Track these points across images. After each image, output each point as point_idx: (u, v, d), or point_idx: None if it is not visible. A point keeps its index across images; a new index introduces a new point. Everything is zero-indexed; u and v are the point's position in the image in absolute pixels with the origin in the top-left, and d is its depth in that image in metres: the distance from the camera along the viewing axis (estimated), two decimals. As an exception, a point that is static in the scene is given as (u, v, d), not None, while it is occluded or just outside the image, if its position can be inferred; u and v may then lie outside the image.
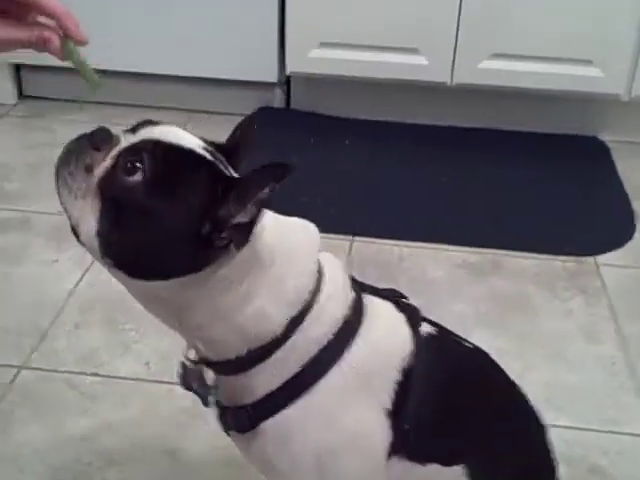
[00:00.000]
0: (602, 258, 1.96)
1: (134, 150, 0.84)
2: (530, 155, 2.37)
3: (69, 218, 0.86)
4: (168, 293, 0.85)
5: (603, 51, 2.28)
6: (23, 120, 2.52)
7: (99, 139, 0.87)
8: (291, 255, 0.88)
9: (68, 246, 1.91)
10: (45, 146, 2.33)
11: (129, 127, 0.92)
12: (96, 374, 1.55)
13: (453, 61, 2.32)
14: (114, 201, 0.82)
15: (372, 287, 0.99)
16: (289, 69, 2.42)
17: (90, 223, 0.83)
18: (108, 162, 0.84)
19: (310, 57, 2.36)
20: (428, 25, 2.29)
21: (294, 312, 0.87)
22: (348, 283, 0.94)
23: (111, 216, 0.82)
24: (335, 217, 2.01)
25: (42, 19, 0.87)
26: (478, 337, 1.07)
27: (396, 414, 0.90)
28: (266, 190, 0.79)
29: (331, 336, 0.88)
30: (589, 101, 2.43)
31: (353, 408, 0.90)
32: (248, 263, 0.85)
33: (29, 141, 2.39)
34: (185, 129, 0.89)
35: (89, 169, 0.85)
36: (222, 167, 0.88)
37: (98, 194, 0.84)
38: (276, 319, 0.86)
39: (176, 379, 0.99)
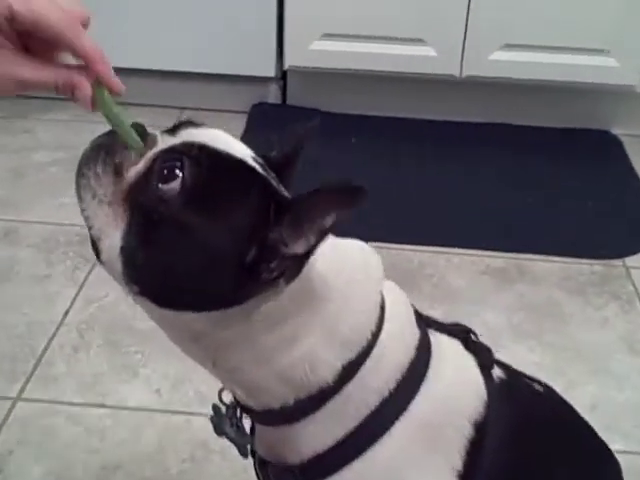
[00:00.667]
0: (631, 260, 1.85)
1: (174, 153, 0.71)
2: (543, 151, 2.26)
3: (89, 229, 0.72)
4: (201, 327, 0.72)
5: (619, 40, 2.17)
6: (3, 122, 2.34)
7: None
8: (349, 287, 0.75)
9: (60, 258, 1.77)
10: (28, 150, 2.16)
11: (167, 128, 0.78)
12: (102, 405, 1.41)
13: (462, 52, 2.20)
14: (145, 213, 0.69)
15: (437, 322, 0.87)
16: (288, 63, 2.28)
17: (114, 237, 0.70)
18: (142, 165, 0.71)
19: (311, 49, 2.23)
20: (436, 14, 2.17)
21: (350, 356, 0.74)
22: (413, 319, 0.81)
23: (140, 231, 0.69)
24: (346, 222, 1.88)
25: (70, 60, 0.73)
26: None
27: (467, 477, 0.78)
28: (331, 218, 0.66)
29: (394, 384, 0.75)
30: (601, 93, 2.32)
31: (419, 473, 0.77)
32: (298, 297, 0.72)
33: (11, 144, 2.21)
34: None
35: (118, 171, 0.72)
36: (275, 184, 0.75)
37: (127, 203, 0.70)
38: (328, 364, 0.73)
39: (210, 424, 0.87)
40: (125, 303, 0.78)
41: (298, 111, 2.38)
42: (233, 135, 0.78)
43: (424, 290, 1.72)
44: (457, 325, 0.88)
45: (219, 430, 0.86)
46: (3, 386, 1.43)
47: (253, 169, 0.73)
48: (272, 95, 2.43)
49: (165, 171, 0.69)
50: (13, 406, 1.39)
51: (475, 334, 0.87)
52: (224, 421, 0.84)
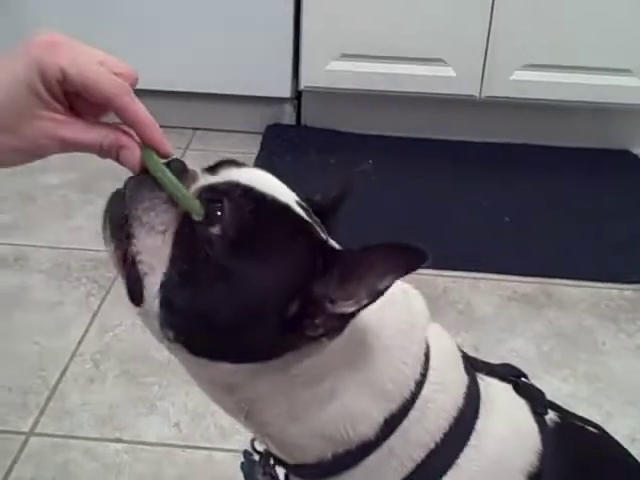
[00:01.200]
0: (661, 285, 1.79)
1: (215, 192, 0.67)
2: (565, 171, 2.21)
3: (137, 264, 0.66)
4: (236, 379, 0.68)
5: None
6: (10, 142, 2.29)
7: (173, 170, 0.68)
8: (392, 339, 0.70)
9: (73, 284, 1.71)
10: (37, 171, 2.11)
11: (208, 166, 0.73)
12: (119, 440, 1.34)
13: (483, 72, 2.16)
14: (188, 250, 0.65)
15: (485, 363, 0.81)
16: (303, 83, 2.23)
17: (158, 274, 0.65)
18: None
19: (328, 70, 2.18)
20: (456, 34, 2.13)
21: (393, 409, 0.69)
22: (461, 364, 0.75)
23: (182, 268, 0.65)
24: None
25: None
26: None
27: None
28: (387, 281, 0.61)
29: (441, 437, 0.70)
30: (622, 112, 2.27)
31: None
32: (339, 351, 0.67)
33: (19, 166, 2.15)
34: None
35: (170, 204, 0.67)
36: (322, 233, 0.70)
37: (175, 236, 0.66)
38: (370, 419, 0.68)
39: (240, 470, 0.81)
40: (142, 331, 0.72)
41: (313, 132, 2.34)
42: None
43: (449, 317, 1.66)
44: (506, 366, 0.83)
45: (251, 478, 0.80)
46: (15, 420, 1.37)
47: (299, 216, 0.69)
48: (287, 116, 2.38)
49: (209, 211, 0.65)
50: (26, 441, 1.33)
51: (526, 376, 0.82)
52: (256, 469, 0.79)
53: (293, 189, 0.75)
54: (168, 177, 0.67)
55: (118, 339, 1.55)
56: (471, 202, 2.07)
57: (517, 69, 2.15)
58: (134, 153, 0.67)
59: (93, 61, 0.65)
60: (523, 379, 0.80)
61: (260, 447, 0.78)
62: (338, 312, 0.64)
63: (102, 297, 1.66)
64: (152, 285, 0.65)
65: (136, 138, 0.67)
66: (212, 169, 0.72)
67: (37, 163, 2.29)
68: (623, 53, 2.13)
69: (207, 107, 2.36)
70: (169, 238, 0.66)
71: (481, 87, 2.17)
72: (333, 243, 0.70)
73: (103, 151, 0.67)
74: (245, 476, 0.81)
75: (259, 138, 2.33)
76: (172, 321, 0.65)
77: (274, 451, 0.74)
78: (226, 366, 0.66)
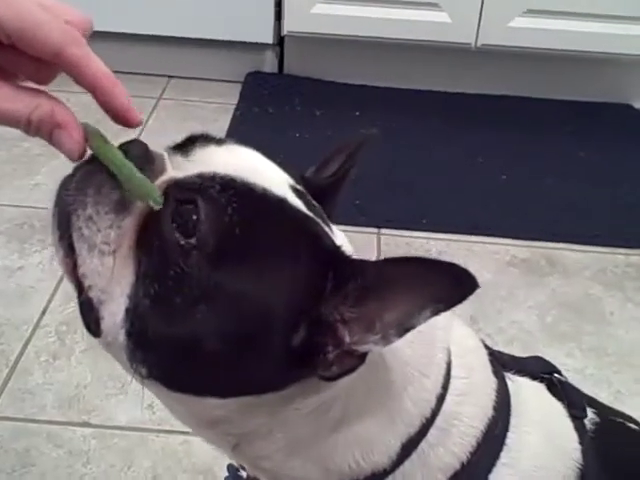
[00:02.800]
0: (669, 249, 1.69)
1: (185, 189, 0.53)
2: (564, 127, 2.08)
3: (86, 291, 0.53)
4: (224, 414, 0.56)
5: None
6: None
7: (131, 156, 0.54)
8: (411, 346, 0.59)
9: (35, 247, 1.56)
10: (-3, 121, 1.94)
11: (177, 142, 0.58)
12: (87, 424, 1.21)
13: (479, 19, 2.00)
14: (158, 265, 0.52)
15: (514, 359, 0.70)
16: (286, 28, 2.07)
17: (118, 301, 0.52)
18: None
19: (313, 13, 2.02)
20: (452, -24, 1.96)
21: (411, 432, 0.58)
22: (488, 367, 0.64)
23: (151, 289, 0.51)
24: (355, 207, 1.69)
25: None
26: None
27: None
28: (424, 315, 0.49)
29: (467, 457, 0.59)
30: (627, 64, 2.13)
31: None
32: (352, 381, 0.55)
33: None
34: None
35: (120, 208, 0.53)
36: (330, 233, 0.57)
37: (136, 250, 0.52)
38: (384, 446, 0.57)
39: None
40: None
41: (297, 81, 2.18)
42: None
43: (446, 285, 1.54)
44: (536, 360, 0.72)
45: None
46: (-30, 400, 1.24)
47: (298, 212, 0.55)
48: (268, 63, 2.22)
49: (179, 215, 0.51)
50: (-18, 425, 1.20)
51: (559, 372, 0.71)
52: None
53: (283, 164, 0.61)
54: (119, 161, 0.53)
55: (85, 309, 1.41)
56: (465, 158, 1.93)
57: (516, 15, 2.00)
58: (72, 134, 0.52)
59: (34, 4, 0.50)
60: (556, 375, 0.70)
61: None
62: (358, 350, 0.51)
63: (68, 262, 1.52)
64: (112, 314, 0.52)
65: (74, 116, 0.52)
66: (182, 148, 0.57)
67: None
68: (629, 0, 1.98)
69: (182, 53, 2.19)
70: (126, 254, 0.52)
71: (477, 35, 2.02)
72: (347, 249, 0.56)
73: (31, 127, 0.52)
74: None
75: (238, 87, 2.17)
76: (144, 355, 0.52)
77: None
78: (212, 401, 0.54)
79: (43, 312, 1.41)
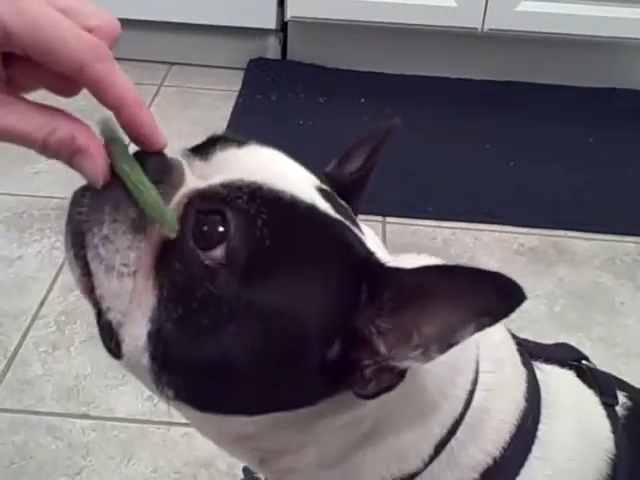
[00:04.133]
0: (680, 237, 1.66)
1: (211, 201, 0.49)
2: (574, 113, 2.04)
3: (105, 312, 0.50)
4: (253, 430, 0.54)
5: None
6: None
7: (151, 171, 0.50)
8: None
9: (34, 237, 1.54)
10: (-4, 109, 1.91)
11: (195, 145, 0.55)
12: (87, 415, 1.19)
13: (486, 2, 1.96)
14: (182, 287, 0.49)
15: (541, 347, 0.67)
16: (290, 13, 2.03)
17: (139, 323, 0.49)
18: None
19: (317, -2, 1.98)
20: (457, -41, 1.93)
21: (443, 433, 0.55)
22: (517, 358, 0.61)
23: (175, 311, 0.49)
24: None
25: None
26: None
27: None
28: (469, 329, 0.46)
29: (499, 451, 0.57)
30: (633, 49, 2.09)
31: None
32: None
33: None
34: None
35: (139, 226, 0.50)
36: (362, 238, 0.54)
37: (157, 271, 0.49)
38: (419, 452, 0.55)
39: None
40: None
41: (300, 67, 2.15)
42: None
43: (452, 273, 1.51)
44: (564, 346, 0.70)
45: None
46: (-32, 392, 1.22)
47: (329, 218, 0.52)
48: (271, 49, 2.19)
49: (203, 229, 0.48)
50: (-20, 417, 1.18)
51: (587, 358, 0.68)
52: None
53: (305, 162, 0.58)
54: (143, 185, 0.49)
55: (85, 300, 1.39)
56: (471, 145, 1.90)
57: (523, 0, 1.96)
58: (96, 161, 0.47)
59: (51, 8, 0.44)
60: (585, 362, 0.68)
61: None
62: (396, 366, 0.48)
63: (67, 251, 1.49)
64: (133, 338, 0.50)
65: (98, 137, 0.48)
66: (202, 151, 0.53)
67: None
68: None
69: (184, 39, 2.16)
70: (146, 276, 0.49)
71: (484, 19, 1.98)
72: (381, 255, 0.53)
73: (49, 151, 0.47)
74: None
75: (241, 74, 2.13)
76: (170, 378, 0.50)
77: None
78: (243, 419, 0.52)
79: (42, 302, 1.39)
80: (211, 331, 0.48)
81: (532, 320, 1.40)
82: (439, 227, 1.65)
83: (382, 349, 0.49)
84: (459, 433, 0.55)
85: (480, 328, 0.45)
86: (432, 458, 0.55)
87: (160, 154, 0.52)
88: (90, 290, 0.52)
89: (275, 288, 0.48)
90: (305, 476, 0.56)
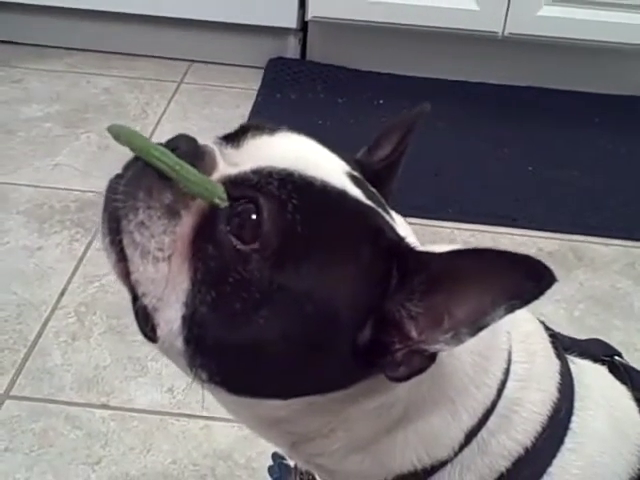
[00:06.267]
0: (700, 245, 1.65)
1: (244, 188, 0.50)
2: (594, 120, 2.03)
3: (140, 297, 0.51)
4: (286, 414, 0.54)
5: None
6: (-13, 70, 2.09)
7: (183, 155, 0.52)
8: (476, 342, 0.54)
9: (55, 228, 1.54)
10: (18, 102, 1.92)
11: (227, 133, 0.56)
12: (106, 406, 1.19)
13: (507, 7, 1.96)
14: (215, 271, 0.50)
15: (575, 341, 0.68)
16: (310, 13, 2.03)
17: (174, 307, 0.50)
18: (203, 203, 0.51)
19: (338, -1, 1.98)
20: (480, -38, 1.93)
21: (474, 421, 0.56)
22: (550, 350, 0.62)
23: (210, 296, 0.50)
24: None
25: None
26: None
27: None
28: (500, 311, 0.46)
29: (531, 442, 0.57)
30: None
31: None
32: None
33: (-3, 96, 1.97)
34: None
35: (174, 211, 0.51)
36: (393, 224, 0.54)
37: (191, 256, 0.50)
38: (449, 441, 0.55)
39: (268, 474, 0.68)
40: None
41: (319, 68, 2.15)
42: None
43: (471, 275, 1.51)
44: (597, 342, 0.70)
45: None
46: (-12, 379, 1.22)
47: (360, 203, 0.53)
48: (291, 49, 2.19)
49: (236, 215, 0.49)
50: (1, 404, 1.18)
51: (620, 354, 0.68)
52: (289, 476, 0.65)
53: (336, 148, 0.58)
54: (170, 160, 0.50)
55: (105, 290, 1.39)
56: (490, 149, 1.90)
57: (546, 4, 1.96)
58: None
59: None
60: (618, 358, 0.68)
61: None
62: (426, 349, 0.49)
63: (87, 243, 1.50)
64: (168, 322, 0.51)
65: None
66: (234, 139, 0.54)
67: (18, 92, 2.06)
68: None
69: (204, 37, 2.16)
70: (180, 260, 0.50)
71: (505, 23, 1.98)
72: (412, 240, 0.53)
73: None
74: None
75: (260, 73, 2.14)
76: (204, 361, 0.51)
77: (320, 476, 0.61)
78: (276, 402, 0.52)
79: (62, 293, 1.39)
80: (244, 315, 0.49)
81: (552, 324, 1.38)
82: (458, 229, 1.65)
83: (413, 333, 0.49)
84: (490, 422, 0.55)
85: (510, 310, 0.46)
86: (462, 446, 0.55)
87: (192, 140, 0.53)
88: (126, 275, 0.52)
89: (307, 272, 0.49)
90: (334, 460, 0.56)
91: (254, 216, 0.49)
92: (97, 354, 1.27)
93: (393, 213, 0.58)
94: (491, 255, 0.47)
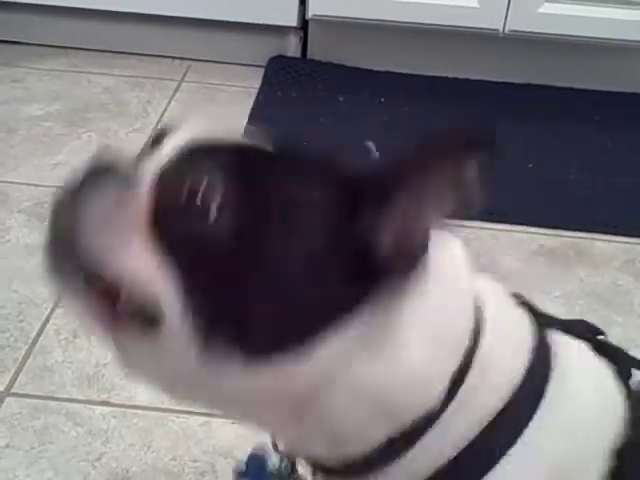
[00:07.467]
0: (701, 242, 1.65)
1: (168, 178, 0.54)
2: (596, 117, 2.03)
3: (131, 303, 0.53)
4: (300, 376, 0.54)
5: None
6: (-12, 69, 2.10)
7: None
8: (441, 281, 0.57)
9: (55, 227, 1.53)
10: (18, 102, 1.92)
11: (147, 143, 0.58)
12: (107, 402, 1.19)
13: (508, 4, 1.95)
14: (183, 253, 0.52)
15: (558, 320, 0.67)
16: (311, 11, 2.03)
17: (168, 291, 0.52)
18: (144, 189, 0.54)
19: (339, -4, 1.98)
20: (480, -41, 1.93)
21: (455, 371, 0.56)
22: (524, 315, 0.62)
23: (191, 284, 0.52)
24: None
25: None
26: None
27: None
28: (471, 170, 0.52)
29: (501, 405, 0.57)
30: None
31: None
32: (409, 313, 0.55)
33: (-2, 94, 1.97)
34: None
35: (122, 203, 0.54)
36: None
37: (157, 245, 0.53)
38: (437, 384, 0.55)
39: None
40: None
41: (320, 66, 2.15)
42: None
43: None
44: (580, 322, 0.70)
45: None
46: (-11, 377, 1.22)
47: (290, 153, 0.57)
48: (292, 47, 2.19)
49: (177, 200, 0.52)
50: (0, 402, 1.18)
51: (604, 333, 0.69)
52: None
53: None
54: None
55: (105, 288, 1.39)
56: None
57: (547, 1, 1.95)
58: None
59: None
60: (601, 337, 0.67)
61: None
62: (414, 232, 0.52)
63: (88, 241, 1.50)
64: (169, 308, 0.52)
65: None
66: (155, 142, 0.57)
67: (19, 92, 2.07)
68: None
69: (205, 36, 2.16)
70: (149, 249, 0.53)
71: (505, 20, 1.97)
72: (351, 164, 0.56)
73: None
74: None
75: (261, 71, 2.14)
76: (214, 332, 0.52)
77: (319, 455, 0.60)
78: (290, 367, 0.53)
79: (63, 291, 1.39)
80: (233, 286, 0.51)
81: (551, 320, 1.40)
82: (457, 226, 1.65)
83: (385, 241, 0.52)
84: (469, 379, 0.56)
85: (481, 168, 0.50)
86: (445, 403, 0.55)
87: (102, 161, 0.56)
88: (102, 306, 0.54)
89: (265, 227, 0.51)
90: (340, 418, 0.56)
91: (205, 189, 0.51)
92: (98, 352, 1.27)
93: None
94: (426, 148, 0.51)
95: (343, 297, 0.53)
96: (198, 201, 0.51)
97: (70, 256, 0.54)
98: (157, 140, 0.57)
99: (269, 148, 0.55)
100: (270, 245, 0.52)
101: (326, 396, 0.54)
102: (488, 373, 0.57)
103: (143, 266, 0.52)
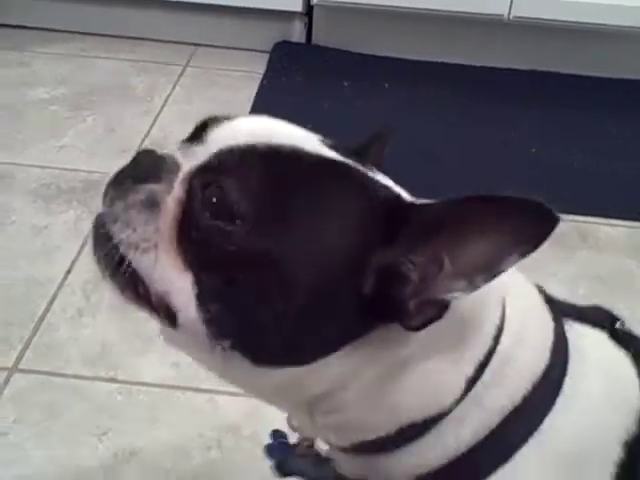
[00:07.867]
0: None
1: (206, 173, 0.54)
2: (601, 104, 2.03)
3: (154, 296, 0.55)
4: (306, 374, 0.56)
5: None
6: (-5, 53, 2.10)
7: (145, 171, 0.56)
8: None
9: (61, 208, 1.55)
10: (25, 85, 1.92)
11: (190, 133, 0.59)
12: (113, 379, 1.20)
13: (513, -10, 1.96)
14: (208, 253, 0.53)
15: (575, 307, 0.68)
16: (316, -4, 2.03)
17: (184, 289, 0.54)
18: (178, 191, 0.54)
19: (344, -18, 1.98)
20: (486, -55, 1.93)
21: (471, 371, 0.57)
22: (545, 310, 0.62)
23: (212, 280, 0.53)
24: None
25: None
26: None
27: None
28: (514, 257, 0.49)
29: (521, 400, 0.57)
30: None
31: None
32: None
33: (5, 79, 1.97)
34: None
35: (154, 202, 0.55)
36: (374, 175, 0.57)
37: (180, 242, 0.54)
38: (451, 387, 0.57)
39: (265, 454, 0.72)
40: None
41: (325, 52, 2.15)
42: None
43: (475, 255, 1.52)
44: (597, 309, 0.70)
45: (282, 466, 0.70)
46: (-4, 354, 1.23)
47: (338, 163, 0.55)
48: (296, 33, 2.19)
49: (210, 203, 0.52)
50: (8, 378, 1.19)
51: (622, 321, 0.68)
52: (293, 454, 0.68)
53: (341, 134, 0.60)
54: None
55: (111, 268, 1.40)
56: (495, 132, 1.90)
57: (551, -13, 1.96)
58: None
59: None
60: (619, 325, 0.67)
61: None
62: (438, 297, 0.50)
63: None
64: (183, 308, 0.54)
65: None
66: (196, 137, 0.57)
67: (26, 76, 2.07)
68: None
69: (210, 21, 2.17)
70: (172, 251, 0.53)
71: (510, 6, 1.97)
72: (404, 196, 0.55)
73: None
74: (277, 467, 0.70)
75: (265, 57, 2.14)
76: (225, 335, 0.53)
77: (328, 438, 0.63)
78: (294, 370, 0.55)
79: (68, 271, 1.40)
80: (248, 287, 0.51)
81: (555, 302, 1.40)
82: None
83: (419, 282, 0.51)
84: (485, 375, 0.56)
85: (523, 254, 0.48)
86: (462, 397, 0.56)
87: (150, 151, 0.57)
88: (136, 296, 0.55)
89: (291, 235, 0.51)
90: (348, 412, 0.57)
91: (224, 197, 0.51)
92: (103, 330, 1.28)
93: (381, 175, 0.59)
94: (488, 202, 0.49)
95: (362, 314, 0.53)
96: (220, 222, 0.51)
97: (107, 243, 0.55)
98: (198, 132, 0.57)
99: (318, 154, 0.54)
100: (296, 259, 0.51)
101: (339, 397, 0.56)
102: (505, 374, 0.57)
103: (164, 267, 0.53)
